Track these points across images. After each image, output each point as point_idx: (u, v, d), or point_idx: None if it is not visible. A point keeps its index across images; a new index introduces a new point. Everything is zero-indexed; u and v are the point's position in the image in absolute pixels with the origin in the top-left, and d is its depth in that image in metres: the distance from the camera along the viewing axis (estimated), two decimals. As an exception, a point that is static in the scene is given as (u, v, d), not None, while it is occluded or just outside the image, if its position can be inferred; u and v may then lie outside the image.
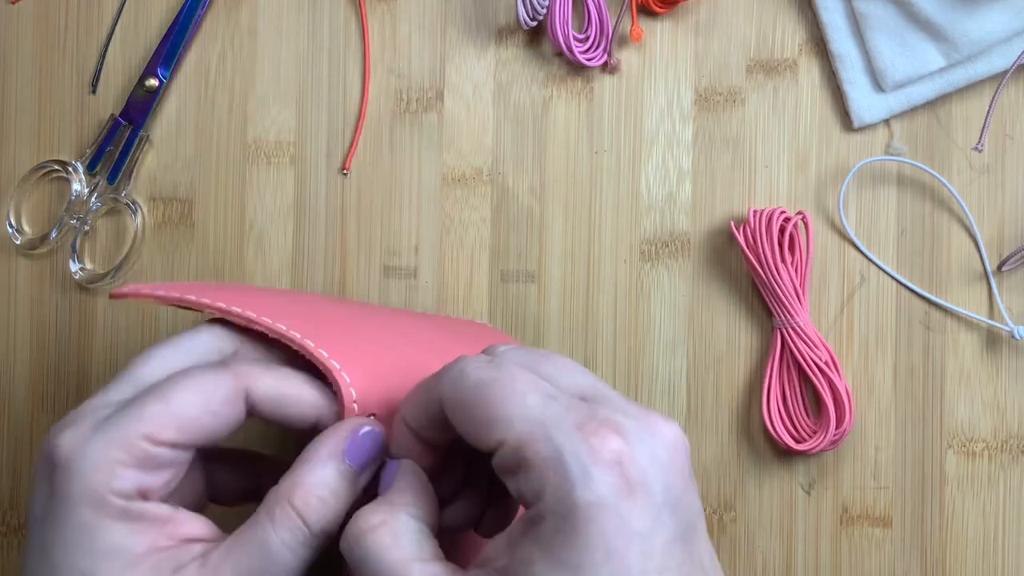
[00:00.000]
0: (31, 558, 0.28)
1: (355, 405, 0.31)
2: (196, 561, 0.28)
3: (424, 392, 0.29)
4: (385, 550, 0.26)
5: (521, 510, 0.30)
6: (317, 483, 0.28)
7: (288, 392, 0.30)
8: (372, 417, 0.31)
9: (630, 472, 0.25)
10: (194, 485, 0.33)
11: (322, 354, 0.31)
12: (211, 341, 0.31)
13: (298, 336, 0.31)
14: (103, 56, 0.50)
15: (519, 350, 0.30)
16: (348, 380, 0.31)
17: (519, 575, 0.25)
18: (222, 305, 0.31)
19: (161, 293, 0.32)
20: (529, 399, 0.26)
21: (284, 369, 0.31)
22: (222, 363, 0.30)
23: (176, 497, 0.30)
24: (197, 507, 0.33)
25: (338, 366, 0.31)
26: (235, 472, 0.35)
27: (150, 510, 0.28)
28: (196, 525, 0.29)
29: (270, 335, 0.31)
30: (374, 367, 0.32)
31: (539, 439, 0.25)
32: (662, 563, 0.25)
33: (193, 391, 0.28)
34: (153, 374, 0.30)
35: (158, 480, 0.28)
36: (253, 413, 0.30)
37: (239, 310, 0.31)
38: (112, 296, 0.33)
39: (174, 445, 0.28)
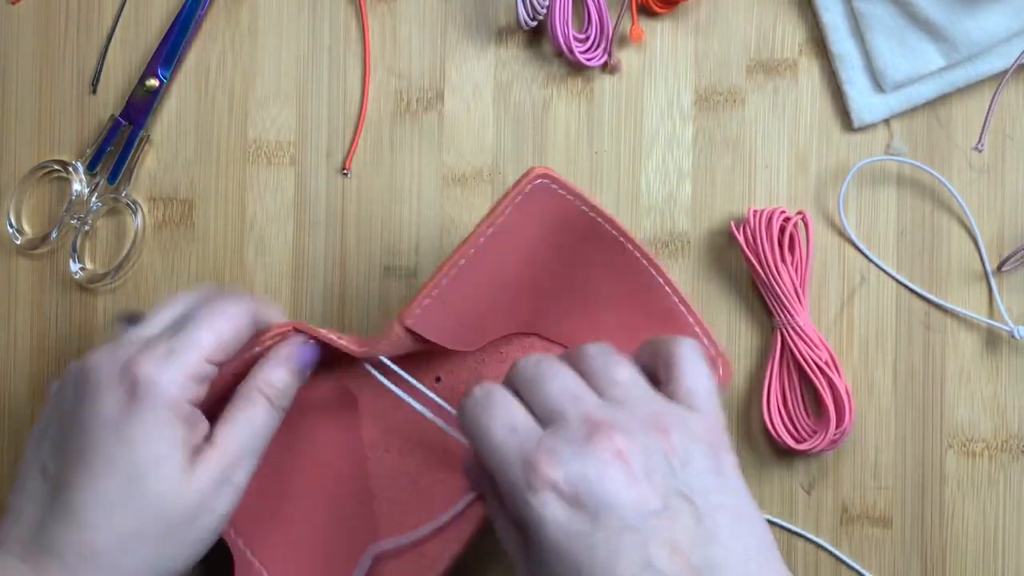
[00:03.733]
0: (98, 448, 0.35)
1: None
2: (207, 444, 0.37)
3: None
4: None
5: None
6: (275, 376, 0.39)
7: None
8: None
9: (564, 491, 0.31)
10: None
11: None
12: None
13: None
14: (103, 56, 0.51)
15: (536, 362, 0.35)
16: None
17: None
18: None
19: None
20: (496, 432, 0.33)
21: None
22: (237, 293, 0.40)
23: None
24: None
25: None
26: None
27: (197, 414, 0.37)
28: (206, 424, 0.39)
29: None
30: None
31: (500, 475, 0.32)
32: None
33: (229, 322, 0.38)
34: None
35: (201, 391, 0.38)
36: None
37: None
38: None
39: (219, 363, 0.38)
